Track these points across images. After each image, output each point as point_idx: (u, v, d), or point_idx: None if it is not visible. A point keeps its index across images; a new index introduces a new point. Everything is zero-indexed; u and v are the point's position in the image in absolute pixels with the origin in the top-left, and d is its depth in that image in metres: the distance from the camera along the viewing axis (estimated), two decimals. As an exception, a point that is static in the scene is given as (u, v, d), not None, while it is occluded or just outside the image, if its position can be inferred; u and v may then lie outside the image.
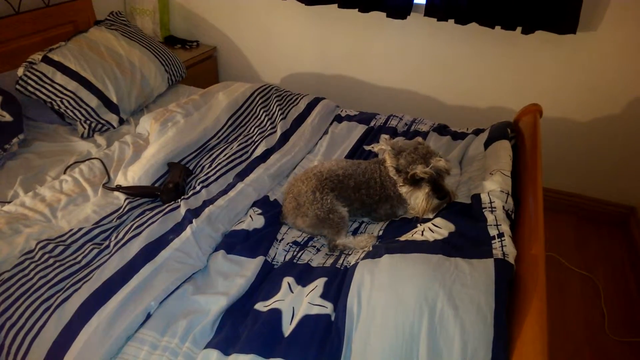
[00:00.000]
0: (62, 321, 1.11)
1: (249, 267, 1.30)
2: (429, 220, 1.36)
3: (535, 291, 1.00)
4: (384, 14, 2.29)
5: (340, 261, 1.31)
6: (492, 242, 1.20)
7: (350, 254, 1.35)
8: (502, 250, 1.16)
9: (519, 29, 2.07)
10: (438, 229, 1.28)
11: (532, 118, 1.76)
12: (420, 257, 1.14)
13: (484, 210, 1.31)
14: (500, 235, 1.21)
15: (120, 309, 1.14)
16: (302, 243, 1.46)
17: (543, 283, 1.00)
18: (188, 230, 1.37)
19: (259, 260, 1.32)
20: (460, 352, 0.96)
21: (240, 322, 1.15)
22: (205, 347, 1.08)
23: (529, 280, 1.06)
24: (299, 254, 1.39)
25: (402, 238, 1.31)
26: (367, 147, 1.87)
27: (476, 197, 1.38)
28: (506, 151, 1.57)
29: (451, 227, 1.28)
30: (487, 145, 1.70)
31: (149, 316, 1.16)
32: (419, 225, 1.35)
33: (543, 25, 2.01)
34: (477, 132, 1.93)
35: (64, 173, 1.74)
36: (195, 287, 1.25)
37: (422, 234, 1.29)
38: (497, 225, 1.25)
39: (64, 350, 1.06)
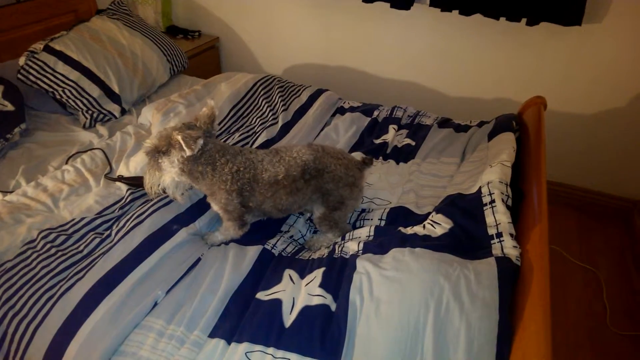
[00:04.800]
0: (66, 310, 1.12)
1: (248, 255, 1.30)
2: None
3: (538, 285, 1.00)
4: (388, 5, 2.27)
5: (338, 250, 1.30)
6: (492, 242, 1.21)
7: (346, 242, 1.35)
8: (502, 252, 1.17)
9: (524, 20, 2.05)
10: (438, 224, 1.28)
11: (537, 110, 1.76)
12: (424, 252, 1.14)
13: (484, 208, 1.30)
14: (499, 235, 1.21)
15: (127, 298, 1.15)
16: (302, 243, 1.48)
17: (547, 277, 1.00)
18: (192, 218, 1.38)
19: (257, 248, 1.32)
20: (466, 348, 0.96)
21: (243, 310, 1.15)
22: (211, 336, 1.09)
23: (532, 273, 1.06)
24: (301, 252, 1.40)
25: (407, 230, 1.31)
26: (377, 141, 1.87)
27: (476, 191, 1.37)
28: (509, 143, 1.56)
29: (449, 222, 1.28)
30: (491, 137, 1.69)
31: (155, 304, 1.17)
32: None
33: (548, 16, 1.99)
34: (481, 124, 1.92)
35: (66, 163, 1.73)
36: (199, 276, 1.25)
37: (424, 228, 1.29)
38: (496, 225, 1.24)
39: (69, 338, 1.07)
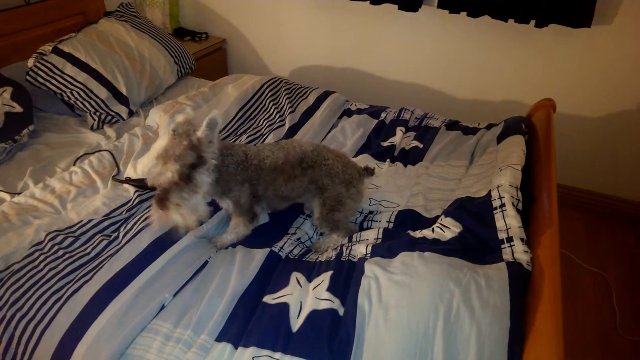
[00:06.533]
0: (73, 312, 1.12)
1: (256, 258, 1.30)
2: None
3: (550, 291, 0.98)
4: (396, 6, 2.26)
5: (345, 253, 1.29)
6: (502, 246, 1.19)
7: (353, 244, 1.34)
8: (513, 256, 1.15)
9: (533, 22, 2.04)
10: (447, 228, 1.27)
11: (546, 113, 1.74)
12: (433, 256, 1.12)
13: (494, 212, 1.28)
14: (510, 239, 1.20)
15: (135, 301, 1.14)
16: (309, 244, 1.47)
17: (558, 283, 0.99)
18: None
19: (264, 251, 1.32)
20: (477, 354, 0.94)
21: (250, 314, 1.15)
22: (218, 340, 1.09)
23: (543, 279, 1.04)
24: (308, 254, 1.39)
25: (416, 234, 1.29)
26: (384, 144, 1.86)
27: (486, 195, 1.36)
28: (519, 146, 1.55)
29: (459, 226, 1.27)
30: (500, 139, 1.68)
31: (162, 307, 1.17)
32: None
33: (557, 18, 1.97)
34: (490, 127, 1.91)
35: (74, 164, 1.74)
36: (206, 279, 1.25)
37: (433, 232, 1.28)
38: (506, 229, 1.23)
39: (76, 340, 1.07)
